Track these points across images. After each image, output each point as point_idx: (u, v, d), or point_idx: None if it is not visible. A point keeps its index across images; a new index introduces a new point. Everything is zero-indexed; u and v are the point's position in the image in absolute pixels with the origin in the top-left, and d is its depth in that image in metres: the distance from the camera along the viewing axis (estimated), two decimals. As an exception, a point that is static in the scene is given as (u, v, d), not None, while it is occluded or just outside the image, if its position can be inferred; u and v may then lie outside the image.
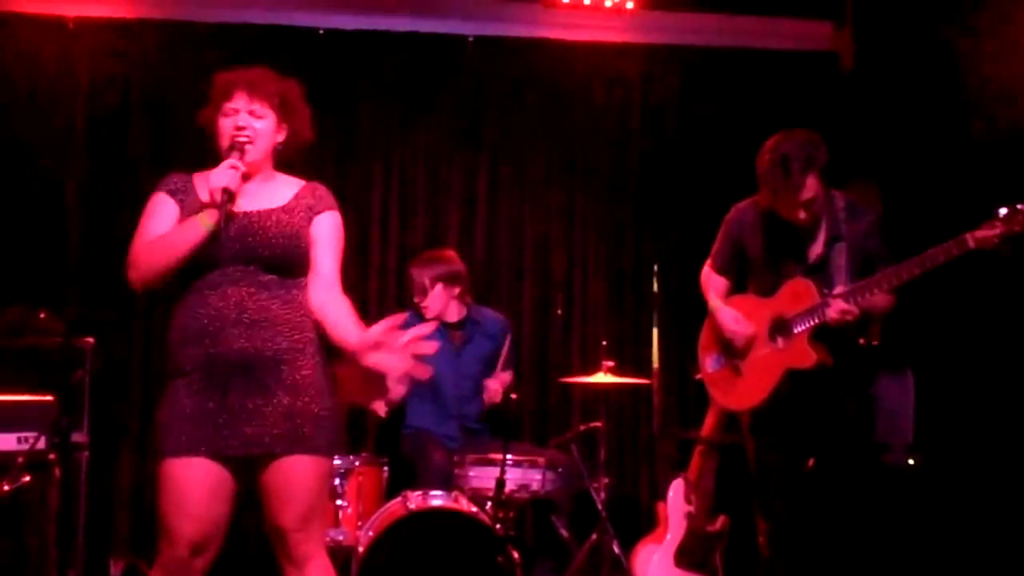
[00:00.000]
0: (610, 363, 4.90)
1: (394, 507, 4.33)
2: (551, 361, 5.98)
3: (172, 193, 3.03)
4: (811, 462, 3.96)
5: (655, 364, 5.54)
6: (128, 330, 5.61)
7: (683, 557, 4.75)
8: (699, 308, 4.30)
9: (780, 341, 3.91)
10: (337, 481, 4.53)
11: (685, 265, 5.85)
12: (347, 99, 5.93)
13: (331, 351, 3.06)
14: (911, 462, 4.75)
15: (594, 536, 4.75)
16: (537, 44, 6.09)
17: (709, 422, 4.91)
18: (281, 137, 3.08)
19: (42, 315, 4.87)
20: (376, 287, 5.92)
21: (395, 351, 2.89)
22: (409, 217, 5.99)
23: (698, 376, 4.29)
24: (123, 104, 5.77)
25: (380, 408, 5.03)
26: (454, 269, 5.15)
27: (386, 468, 4.80)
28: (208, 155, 3.07)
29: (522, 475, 4.65)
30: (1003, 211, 3.50)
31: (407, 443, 5.16)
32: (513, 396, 5.01)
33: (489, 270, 5.99)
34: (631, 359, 5.81)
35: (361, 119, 5.95)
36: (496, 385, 5.07)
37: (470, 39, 6.03)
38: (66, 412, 4.51)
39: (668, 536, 4.78)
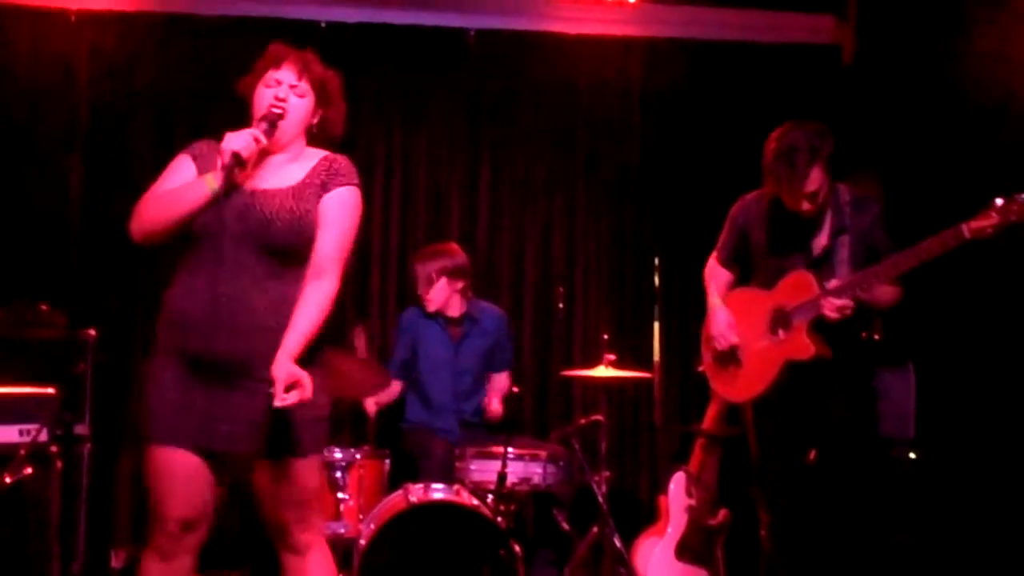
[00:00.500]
0: (611, 356, 4.89)
1: (395, 500, 4.34)
2: (552, 354, 5.98)
3: (194, 157, 3.03)
4: (812, 455, 3.95)
5: (656, 357, 5.55)
6: (131, 322, 5.61)
7: (684, 550, 4.76)
8: (700, 301, 4.30)
9: (780, 333, 3.91)
10: (339, 474, 4.53)
11: (686, 258, 5.85)
12: (348, 92, 5.86)
13: (325, 341, 3.01)
14: (912, 456, 4.75)
15: (595, 529, 4.76)
16: (539, 37, 6.08)
17: (710, 415, 4.91)
18: (315, 120, 3.09)
19: (44, 308, 4.87)
20: (377, 281, 5.92)
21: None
22: (410, 211, 5.99)
23: (700, 368, 4.29)
24: (125, 96, 5.76)
25: (370, 406, 5.04)
26: (458, 263, 5.16)
27: (387, 461, 4.81)
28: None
29: (523, 468, 4.65)
30: (999, 201, 3.50)
31: (407, 437, 5.17)
32: (515, 389, 5.01)
33: (490, 263, 5.99)
34: (632, 352, 5.82)
35: (362, 112, 5.93)
36: (495, 404, 5.08)
37: (472, 32, 6.02)
38: (68, 405, 4.53)
39: (669, 529, 4.79)
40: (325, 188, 2.99)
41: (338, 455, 4.54)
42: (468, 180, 6.06)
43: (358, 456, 4.61)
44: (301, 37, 5.94)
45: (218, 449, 2.91)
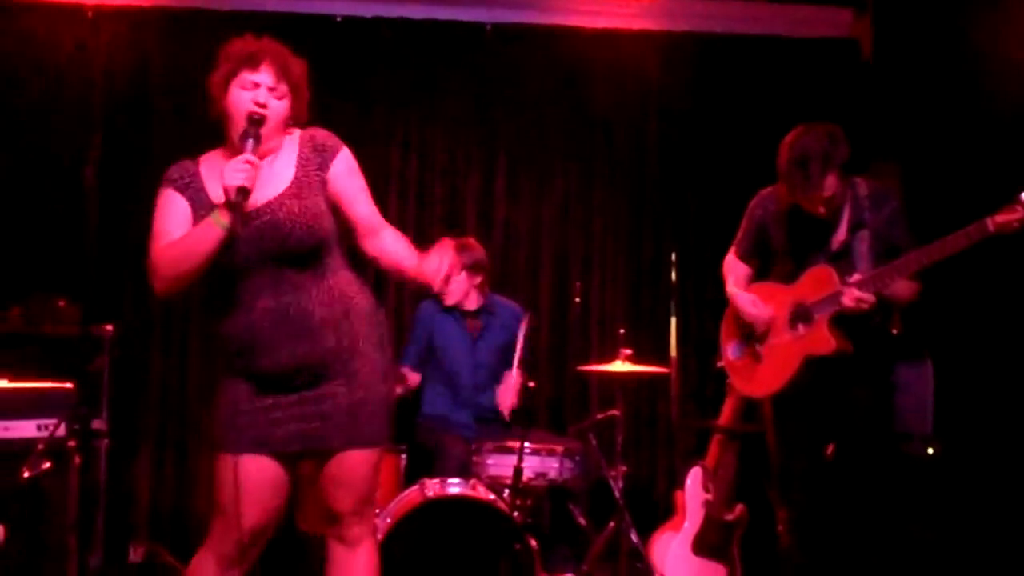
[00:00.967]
0: (628, 351, 4.88)
1: (412, 494, 4.34)
2: (569, 349, 5.98)
3: (180, 188, 2.96)
4: (830, 450, 3.94)
5: (673, 352, 5.53)
6: (148, 318, 5.62)
7: (701, 545, 4.75)
8: (717, 296, 4.28)
9: (800, 328, 3.89)
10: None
11: (703, 253, 5.84)
12: (364, 86, 5.92)
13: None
14: (930, 451, 4.73)
15: (612, 524, 4.75)
16: (555, 31, 6.06)
17: (727, 411, 4.90)
18: (289, 117, 2.98)
19: (61, 303, 4.89)
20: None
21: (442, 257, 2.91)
22: (427, 206, 5.99)
23: (720, 364, 4.27)
24: (141, 91, 5.78)
25: None
26: (477, 257, 5.15)
27: (404, 456, 4.81)
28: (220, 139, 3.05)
29: (540, 463, 4.64)
30: (1023, 195, 3.47)
31: (423, 432, 5.16)
32: (531, 384, 5.00)
33: (507, 258, 5.98)
34: (649, 347, 5.79)
35: (378, 107, 5.94)
36: (509, 397, 5.06)
37: (488, 26, 6.01)
38: (85, 400, 4.54)
39: (686, 524, 4.78)
40: (324, 167, 2.97)
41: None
42: (484, 175, 6.05)
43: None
44: (317, 31, 6.00)
45: (292, 450, 2.94)
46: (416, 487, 4.37)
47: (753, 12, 6.14)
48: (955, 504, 4.67)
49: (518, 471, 4.45)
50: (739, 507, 4.78)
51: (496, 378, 5.21)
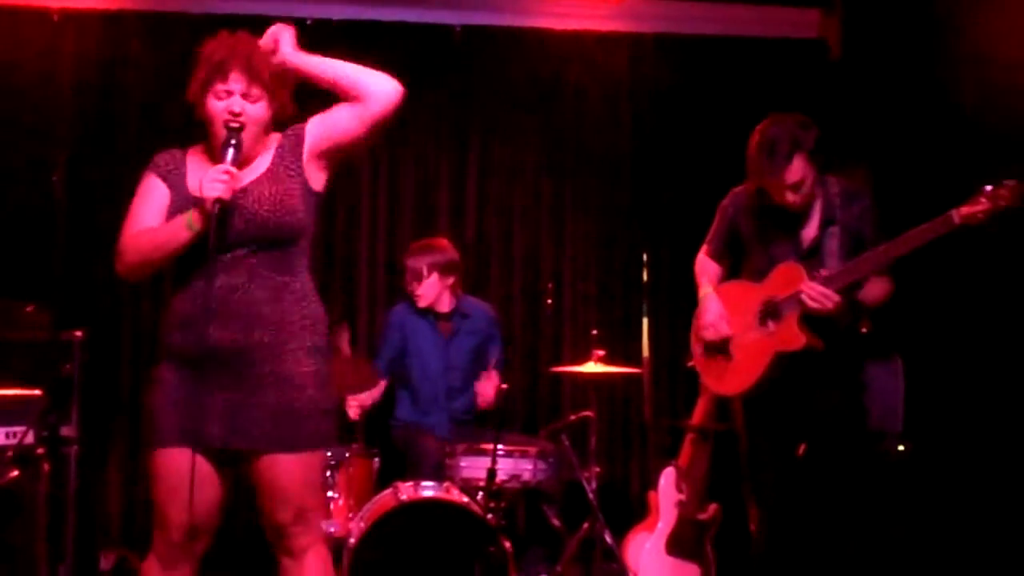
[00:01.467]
0: (600, 352, 4.89)
1: (385, 498, 4.33)
2: (541, 350, 5.98)
3: (163, 176, 2.98)
4: (802, 449, 3.95)
5: (645, 353, 5.54)
6: (117, 323, 5.59)
7: (674, 545, 4.76)
8: (690, 296, 4.29)
9: (770, 324, 3.90)
10: (328, 472, 4.52)
11: (675, 254, 5.85)
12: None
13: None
14: (901, 449, 4.76)
15: (585, 525, 4.76)
16: (525, 33, 6.07)
17: (700, 410, 4.91)
18: (269, 114, 2.98)
19: (29, 309, 4.84)
20: (366, 277, 5.91)
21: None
22: (398, 207, 5.98)
23: (690, 363, 4.28)
24: (109, 95, 5.74)
25: (352, 410, 4.97)
26: (450, 258, 5.15)
27: (377, 459, 4.80)
28: (198, 138, 3.04)
29: (513, 465, 4.65)
30: (988, 187, 3.50)
31: (396, 435, 5.16)
32: (504, 386, 5.00)
33: (479, 259, 5.98)
34: (621, 348, 5.80)
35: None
36: (489, 390, 5.06)
37: (458, 28, 6.00)
38: (55, 406, 4.50)
39: (659, 524, 4.78)
40: (299, 144, 3.00)
41: (327, 454, 4.53)
42: (455, 176, 6.05)
43: (347, 455, 4.61)
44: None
45: (216, 446, 2.88)
46: (389, 490, 4.36)
47: (722, 13, 6.16)
48: (925, 502, 4.70)
49: (491, 473, 4.44)
50: (712, 506, 4.79)
51: (470, 381, 5.21)
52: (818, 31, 6.20)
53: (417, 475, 4.58)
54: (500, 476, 4.51)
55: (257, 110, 2.93)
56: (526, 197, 6.08)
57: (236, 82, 2.90)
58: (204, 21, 5.70)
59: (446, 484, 4.43)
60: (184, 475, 2.84)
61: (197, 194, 2.85)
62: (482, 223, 6.05)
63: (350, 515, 4.47)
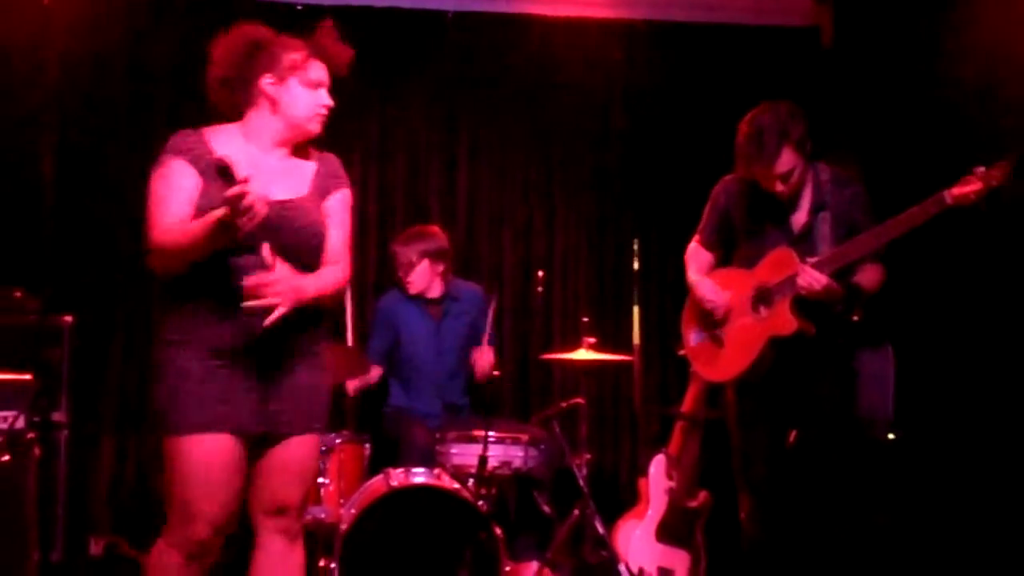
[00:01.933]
0: (591, 339, 4.89)
1: (376, 484, 4.33)
2: (532, 338, 5.98)
3: (192, 160, 2.87)
4: (792, 437, 3.96)
5: (636, 340, 5.55)
6: (108, 308, 5.57)
7: (664, 532, 4.77)
8: (680, 284, 4.29)
9: (762, 310, 3.90)
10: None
11: (666, 241, 5.85)
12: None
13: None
14: (891, 437, 4.77)
15: (576, 512, 4.76)
16: (518, 20, 6.05)
17: (690, 397, 4.92)
18: None
19: (18, 293, 4.83)
20: (356, 263, 5.88)
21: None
22: (388, 194, 5.96)
23: (681, 352, 4.28)
24: (99, 80, 5.71)
25: (351, 386, 5.00)
26: (440, 245, 5.15)
27: (368, 446, 4.80)
28: (187, 123, 3.01)
29: (504, 452, 4.64)
30: (980, 168, 3.50)
31: (388, 422, 5.15)
32: (496, 373, 5.00)
33: (470, 246, 5.97)
34: (612, 336, 5.82)
35: (338, 95, 5.87)
36: (485, 361, 5.06)
37: (450, 14, 5.98)
38: (45, 391, 4.50)
39: (650, 511, 4.80)
40: (327, 192, 3.04)
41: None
42: (446, 162, 6.04)
43: (338, 441, 4.60)
44: (278, 19, 5.93)
45: (256, 430, 2.87)
46: (380, 476, 4.36)
47: (715, 1, 6.15)
48: (916, 489, 4.71)
49: (482, 460, 4.45)
50: (702, 494, 4.81)
51: (462, 365, 5.21)
52: (811, 19, 6.19)
53: (408, 462, 4.58)
54: (491, 463, 4.51)
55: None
56: (517, 184, 6.07)
57: (322, 72, 3.03)
58: (194, 5, 5.69)
59: (437, 471, 4.43)
60: (221, 464, 2.81)
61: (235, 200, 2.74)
62: (473, 210, 6.04)
63: (341, 501, 4.47)
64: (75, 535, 5.05)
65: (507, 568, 4.24)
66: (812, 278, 3.69)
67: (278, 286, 2.72)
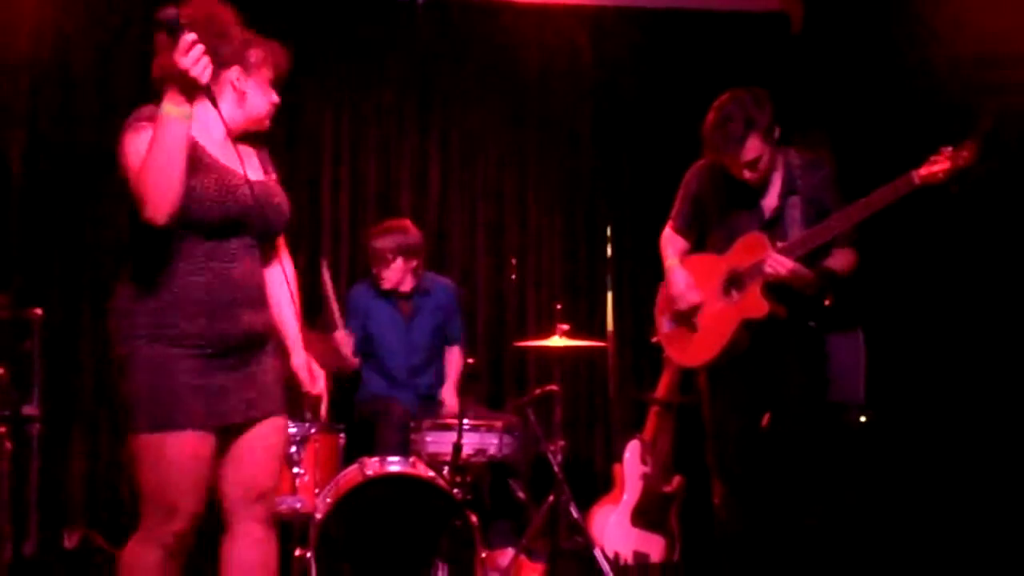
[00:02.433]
0: (565, 326, 4.89)
1: (351, 473, 4.32)
2: (506, 325, 5.98)
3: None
4: (765, 421, 3.98)
5: (610, 327, 5.56)
6: (77, 301, 5.53)
7: (639, 517, 4.80)
8: (654, 271, 4.31)
9: (734, 294, 3.92)
10: (293, 448, 4.50)
11: (638, 228, 5.87)
12: (294, 64, 5.83)
13: None
14: (863, 420, 4.80)
15: (551, 498, 4.77)
16: (488, 6, 6.04)
17: (664, 383, 4.94)
18: None
19: (-13, 287, 4.80)
20: (328, 256, 5.87)
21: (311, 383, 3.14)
22: (360, 183, 5.95)
23: (655, 339, 4.30)
24: (68, 74, 5.65)
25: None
26: (413, 241, 5.13)
27: (342, 435, 4.79)
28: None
29: (479, 439, 4.65)
30: (948, 148, 3.54)
31: (361, 411, 5.15)
32: (470, 360, 5.01)
33: (442, 234, 5.97)
34: (586, 322, 5.83)
35: (310, 84, 5.88)
36: (452, 400, 5.08)
37: (420, 1, 5.97)
38: (16, 385, 4.47)
39: (625, 497, 4.82)
40: (268, 172, 3.09)
41: (293, 429, 4.51)
42: (418, 151, 6.02)
43: (313, 430, 4.58)
44: (247, 8, 5.88)
45: (236, 420, 2.85)
46: (355, 466, 4.36)
47: (684, -14, 6.17)
48: (887, 472, 4.75)
49: (457, 448, 4.45)
50: (677, 479, 4.83)
51: (433, 358, 5.21)
52: (780, 4, 6.21)
53: (384, 442, 4.58)
54: (466, 450, 4.51)
55: None
56: (489, 171, 6.07)
57: (275, 77, 3.09)
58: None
59: (412, 459, 4.43)
60: (200, 460, 2.78)
61: (216, 157, 2.85)
62: (445, 197, 6.03)
63: (316, 491, 4.46)
64: (49, 528, 5.03)
65: (483, 555, 4.25)
66: (777, 263, 3.72)
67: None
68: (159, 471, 2.76)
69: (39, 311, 4.82)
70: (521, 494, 4.93)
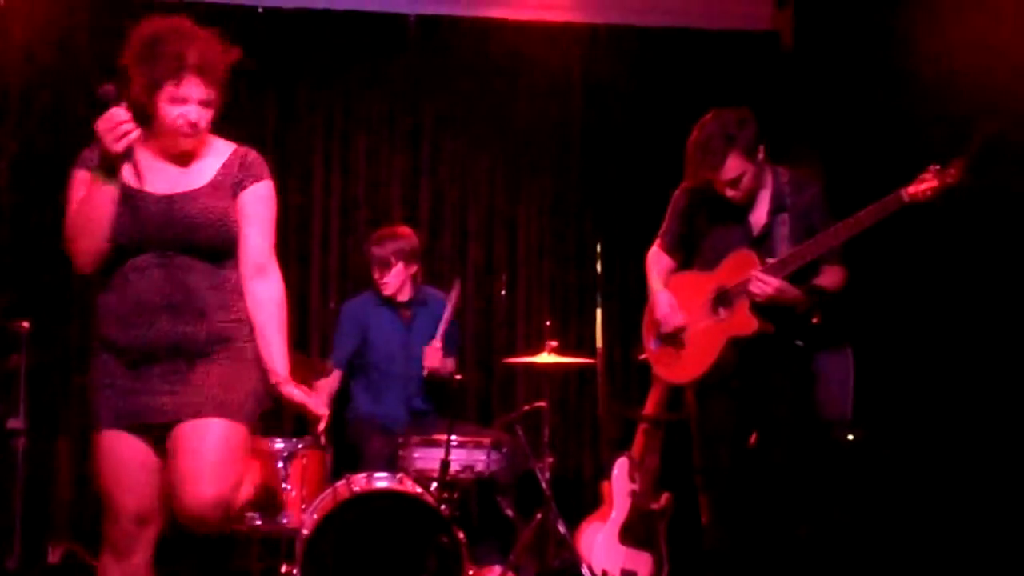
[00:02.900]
0: (554, 343, 4.89)
1: (338, 489, 4.31)
2: (495, 341, 5.98)
3: (91, 169, 2.85)
4: (753, 439, 3.98)
5: (599, 344, 5.56)
6: (65, 314, 5.51)
7: (627, 534, 4.78)
8: (643, 288, 4.30)
9: (722, 312, 3.92)
10: (280, 464, 4.49)
11: (628, 245, 5.86)
12: (287, 79, 5.86)
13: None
14: (851, 438, 4.80)
15: (539, 515, 4.76)
16: (479, 23, 6.05)
17: (652, 400, 4.93)
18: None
19: (-26, 299, 4.78)
20: (318, 268, 5.87)
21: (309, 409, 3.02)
22: (351, 198, 5.94)
23: (642, 356, 4.29)
24: (57, 83, 5.64)
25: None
26: (413, 246, 5.14)
27: (330, 453, 4.77)
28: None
29: (467, 456, 4.64)
30: (935, 167, 3.56)
31: (351, 429, 5.13)
32: (458, 377, 5.00)
33: (432, 250, 5.96)
34: (575, 339, 5.83)
35: (302, 99, 5.88)
36: (434, 351, 5.01)
37: (412, 17, 5.98)
38: (2, 397, 4.45)
39: (613, 514, 4.81)
40: (240, 186, 2.96)
41: (279, 445, 4.50)
42: (408, 167, 6.02)
43: (300, 446, 4.57)
44: (239, 22, 5.92)
45: (148, 422, 2.85)
46: (342, 482, 4.34)
47: (675, 5, 6.18)
48: (876, 490, 4.75)
49: (445, 464, 4.43)
50: (665, 496, 4.82)
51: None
52: (771, 23, 6.23)
53: (368, 467, 4.56)
54: (454, 467, 4.50)
55: (209, 113, 2.90)
56: (479, 188, 6.07)
57: (194, 88, 2.84)
58: (156, 7, 5.58)
59: (399, 475, 4.42)
60: (124, 459, 2.85)
61: (130, 182, 2.85)
62: (435, 213, 6.03)
63: (303, 507, 4.45)
64: (33, 542, 5.00)
65: (470, 572, 4.24)
66: (762, 283, 3.72)
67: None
68: (98, 469, 2.90)
69: (26, 324, 4.79)
70: (509, 511, 4.91)
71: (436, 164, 6.05)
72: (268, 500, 4.26)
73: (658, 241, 4.21)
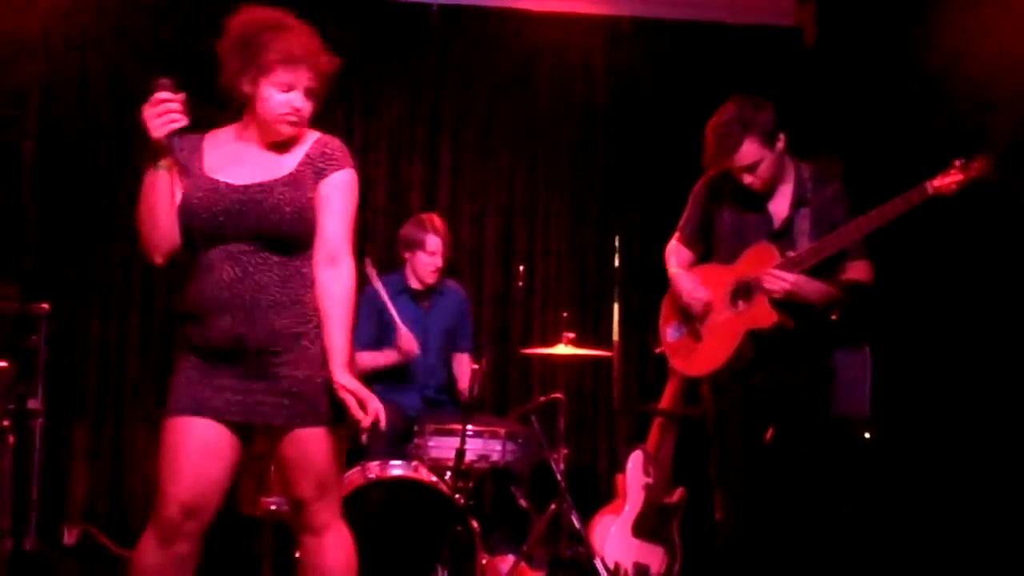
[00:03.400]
0: (571, 335, 4.89)
1: (353, 476, 4.32)
2: (512, 332, 5.98)
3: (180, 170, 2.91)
4: (769, 434, 3.97)
5: (616, 337, 5.55)
6: (85, 295, 5.54)
7: (641, 528, 4.78)
8: (660, 281, 4.29)
9: (740, 304, 3.90)
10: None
11: (647, 238, 5.86)
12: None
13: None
14: (868, 436, 4.79)
15: (553, 506, 4.76)
16: (502, 14, 6.05)
17: (668, 394, 4.93)
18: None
19: (-4, 280, 4.81)
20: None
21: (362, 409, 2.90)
22: (371, 188, 5.95)
23: (658, 350, 4.28)
24: (82, 66, 5.68)
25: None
26: (443, 233, 5.12)
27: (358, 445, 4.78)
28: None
29: (482, 445, 4.64)
30: (959, 161, 3.55)
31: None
32: (474, 367, 5.00)
33: (451, 241, 5.95)
34: (592, 331, 5.83)
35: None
36: (408, 336, 4.98)
37: (435, 7, 5.99)
38: (21, 378, 4.47)
39: (626, 507, 4.81)
40: (322, 174, 2.94)
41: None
42: (429, 157, 6.03)
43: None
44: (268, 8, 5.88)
45: (232, 420, 2.87)
46: (357, 468, 4.35)
47: (698, -1, 6.19)
48: (892, 488, 4.74)
49: (460, 453, 4.44)
50: (679, 490, 4.82)
51: (443, 360, 5.20)
52: (794, 19, 6.22)
53: (384, 450, 4.57)
54: (469, 456, 4.50)
55: (310, 107, 2.94)
56: (499, 179, 6.08)
57: (303, 76, 2.88)
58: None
59: (414, 463, 4.43)
60: (189, 446, 2.85)
61: (211, 174, 2.89)
62: (455, 203, 6.03)
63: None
64: (49, 524, 5.04)
65: (483, 561, 4.24)
66: (778, 279, 3.71)
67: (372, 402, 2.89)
68: (160, 455, 2.89)
69: (46, 305, 4.82)
70: (523, 501, 4.91)
71: (456, 155, 6.05)
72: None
73: (677, 234, 4.20)
